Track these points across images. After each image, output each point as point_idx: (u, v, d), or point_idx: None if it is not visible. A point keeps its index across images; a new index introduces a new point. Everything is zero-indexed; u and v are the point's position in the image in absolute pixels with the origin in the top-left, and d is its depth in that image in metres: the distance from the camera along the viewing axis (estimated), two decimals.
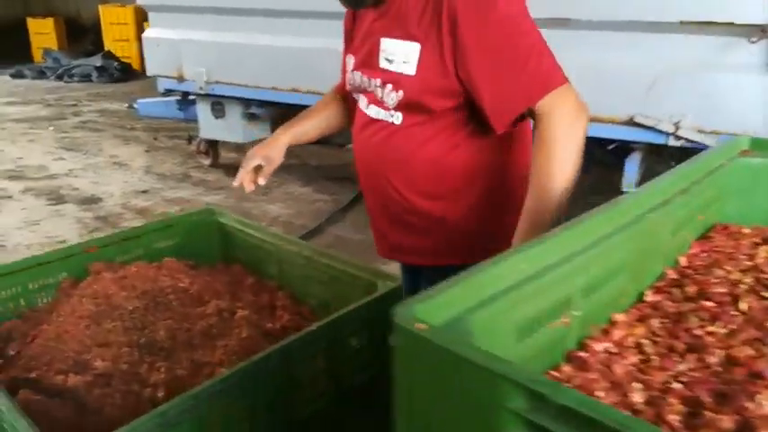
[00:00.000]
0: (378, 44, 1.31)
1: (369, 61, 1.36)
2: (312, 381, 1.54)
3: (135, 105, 5.26)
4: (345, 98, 1.65)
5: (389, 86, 1.31)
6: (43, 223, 3.90)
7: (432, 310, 0.56)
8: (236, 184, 1.67)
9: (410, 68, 1.25)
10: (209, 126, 4.21)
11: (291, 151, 5.53)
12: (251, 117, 4.00)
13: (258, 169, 1.63)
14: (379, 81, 1.33)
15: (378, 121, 1.39)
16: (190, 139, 5.02)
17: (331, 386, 1.59)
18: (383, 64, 1.30)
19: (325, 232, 3.70)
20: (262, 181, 1.65)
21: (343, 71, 1.59)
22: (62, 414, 1.41)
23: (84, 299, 1.76)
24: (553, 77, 1.16)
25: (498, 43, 1.16)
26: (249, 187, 1.65)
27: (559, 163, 1.13)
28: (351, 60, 1.43)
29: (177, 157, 5.41)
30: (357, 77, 1.43)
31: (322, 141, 5.97)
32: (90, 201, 4.32)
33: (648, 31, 2.49)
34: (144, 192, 4.50)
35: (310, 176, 4.83)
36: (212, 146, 4.94)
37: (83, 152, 5.70)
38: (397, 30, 1.26)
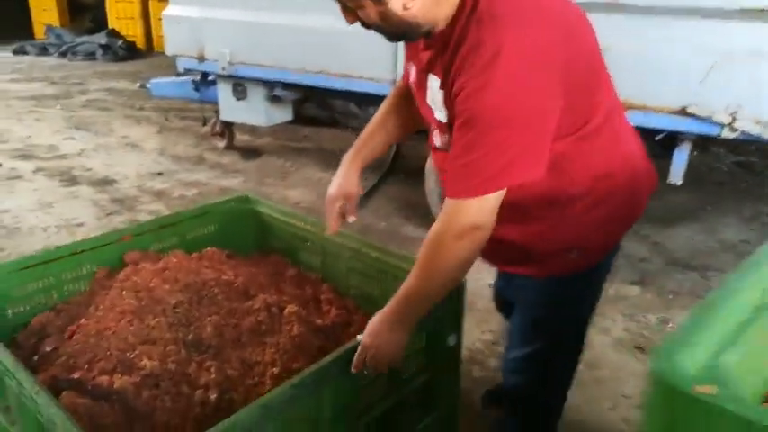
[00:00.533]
0: (426, 78, 1.20)
1: (421, 91, 1.25)
2: (375, 383, 1.44)
3: (147, 85, 5.10)
4: (408, 101, 1.45)
5: (436, 129, 1.24)
6: (57, 205, 3.76)
7: (688, 359, 0.45)
8: (329, 233, 1.60)
9: (443, 116, 1.18)
10: (230, 108, 4.06)
11: (305, 136, 5.33)
12: (274, 99, 3.86)
13: (342, 207, 1.54)
14: (428, 118, 1.26)
15: (444, 150, 1.26)
16: (205, 121, 4.88)
17: (392, 388, 1.50)
18: (429, 102, 1.21)
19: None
20: (352, 218, 1.56)
21: (405, 72, 1.42)
22: (110, 419, 1.30)
23: (125, 292, 1.65)
24: (479, 185, 1.06)
25: (469, 123, 1.05)
26: (338, 229, 1.60)
27: (443, 265, 1.14)
28: (411, 71, 1.31)
29: (190, 139, 5.27)
30: (416, 99, 1.33)
31: (335, 124, 5.83)
32: (104, 182, 4.19)
33: (706, 18, 2.36)
34: (159, 174, 4.37)
35: (328, 161, 4.70)
36: (228, 128, 4.80)
37: (93, 132, 5.55)
38: (439, 67, 1.15)
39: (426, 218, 3.43)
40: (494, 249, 1.35)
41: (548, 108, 1.05)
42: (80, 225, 3.44)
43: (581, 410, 1.99)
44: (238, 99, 3.90)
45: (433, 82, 1.17)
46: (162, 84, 5.00)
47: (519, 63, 1.00)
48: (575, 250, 1.29)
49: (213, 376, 1.46)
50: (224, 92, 4.03)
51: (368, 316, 1.91)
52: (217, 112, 4.67)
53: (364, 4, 1.05)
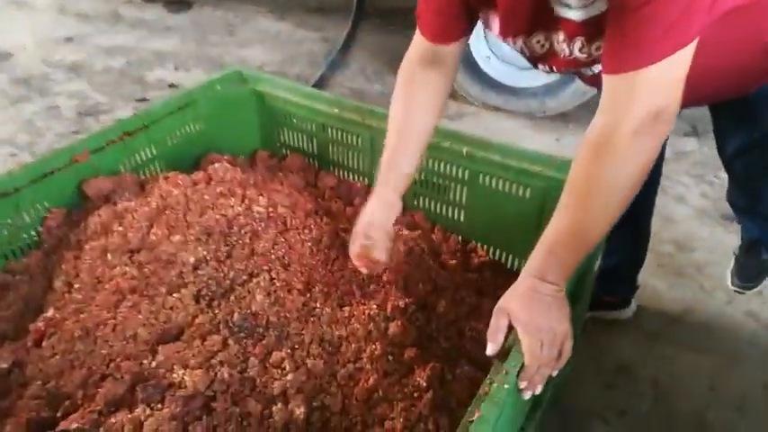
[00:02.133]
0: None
1: (522, 19, 0.86)
2: None
3: None
4: (435, 63, 1.02)
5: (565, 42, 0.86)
6: None
7: None
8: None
9: (580, 13, 0.81)
10: None
11: None
12: None
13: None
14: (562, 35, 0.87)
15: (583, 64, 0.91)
16: None
17: None
18: (560, 11, 0.82)
19: (330, 83, 2.92)
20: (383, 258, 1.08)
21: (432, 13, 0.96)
22: None
23: (111, 255, 1.04)
24: (660, 39, 0.71)
25: None
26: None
27: (616, 179, 0.78)
28: (493, 21, 0.92)
29: None
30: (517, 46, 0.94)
31: None
32: None
33: None
34: (68, 40, 3.38)
35: (282, 8, 3.80)
36: None
37: None
38: None
39: None
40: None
41: None
42: None
43: (695, 308, 1.64)
44: None
45: None
46: None
47: None
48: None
49: (289, 377, 0.94)
50: None
51: (446, 233, 1.42)
52: None
53: None
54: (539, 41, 0.88)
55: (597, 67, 0.89)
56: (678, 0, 0.69)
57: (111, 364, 0.91)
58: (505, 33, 0.90)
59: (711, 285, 1.71)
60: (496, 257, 1.33)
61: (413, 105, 1.04)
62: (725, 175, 1.55)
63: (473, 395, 1.02)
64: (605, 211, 0.79)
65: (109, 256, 1.03)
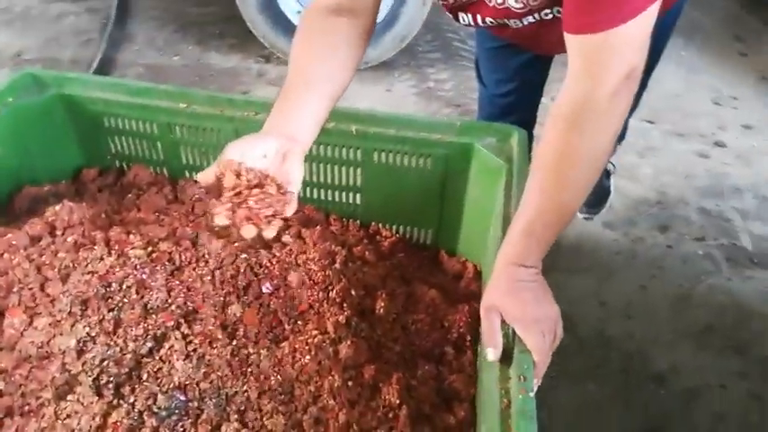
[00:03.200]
0: None
1: None
2: None
3: None
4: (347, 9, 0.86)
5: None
6: None
7: None
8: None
9: None
10: None
11: None
12: None
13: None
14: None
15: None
16: None
17: None
18: None
19: (118, 64, 2.46)
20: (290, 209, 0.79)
21: None
22: None
23: None
24: (628, 2, 0.66)
25: None
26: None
27: (596, 144, 0.73)
28: None
29: None
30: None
31: None
32: None
33: None
34: None
35: None
36: None
37: None
38: None
39: (231, 35, 2.53)
40: None
41: None
42: None
43: (565, 231, 1.75)
44: None
45: None
46: None
47: None
48: None
49: None
50: None
51: (343, 220, 1.27)
52: None
53: None
54: None
55: (528, 19, 0.82)
56: None
57: None
58: None
59: None
60: (400, 234, 1.25)
61: (318, 58, 0.86)
62: None
63: (440, 392, 0.97)
64: (584, 180, 0.76)
65: None
